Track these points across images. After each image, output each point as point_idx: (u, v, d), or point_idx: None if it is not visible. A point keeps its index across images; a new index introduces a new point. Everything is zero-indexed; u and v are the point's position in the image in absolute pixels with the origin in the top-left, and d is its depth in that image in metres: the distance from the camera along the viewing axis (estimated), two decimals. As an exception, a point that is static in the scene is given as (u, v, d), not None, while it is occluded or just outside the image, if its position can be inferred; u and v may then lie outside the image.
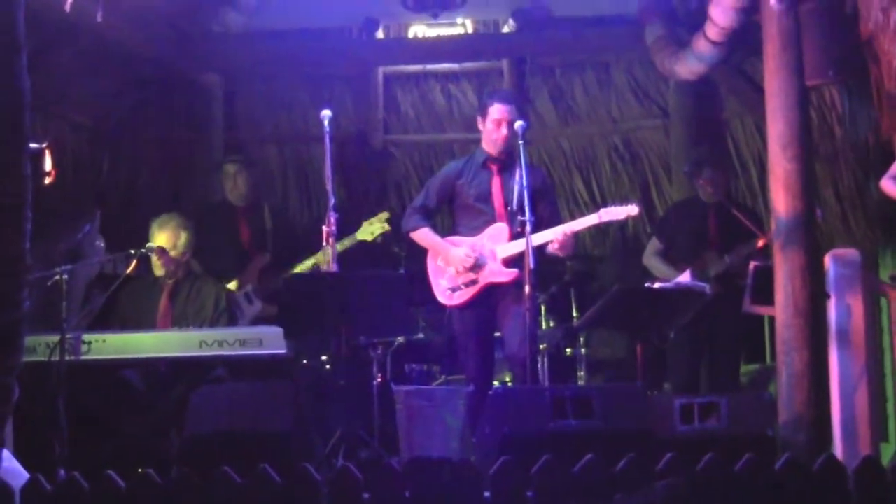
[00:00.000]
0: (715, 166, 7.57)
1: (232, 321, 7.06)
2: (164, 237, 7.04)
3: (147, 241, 6.96)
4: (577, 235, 6.46)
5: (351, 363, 6.70)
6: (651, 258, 7.72)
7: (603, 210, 6.46)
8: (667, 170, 8.97)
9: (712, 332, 7.39)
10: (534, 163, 7.99)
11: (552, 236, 6.27)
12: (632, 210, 6.41)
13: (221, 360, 6.38)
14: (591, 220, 6.45)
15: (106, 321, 6.97)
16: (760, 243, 7.14)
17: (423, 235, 6.61)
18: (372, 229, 7.43)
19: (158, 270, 7.07)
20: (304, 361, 7.28)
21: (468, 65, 9.30)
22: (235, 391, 6.16)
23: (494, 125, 6.50)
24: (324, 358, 7.29)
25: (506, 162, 6.53)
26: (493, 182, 6.54)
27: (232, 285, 7.53)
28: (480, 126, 6.64)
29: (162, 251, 6.98)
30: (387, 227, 7.33)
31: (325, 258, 6.95)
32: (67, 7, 5.89)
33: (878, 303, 7.01)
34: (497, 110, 6.50)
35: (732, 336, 7.52)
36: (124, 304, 7.08)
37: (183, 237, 7.10)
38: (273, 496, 4.14)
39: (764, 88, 6.04)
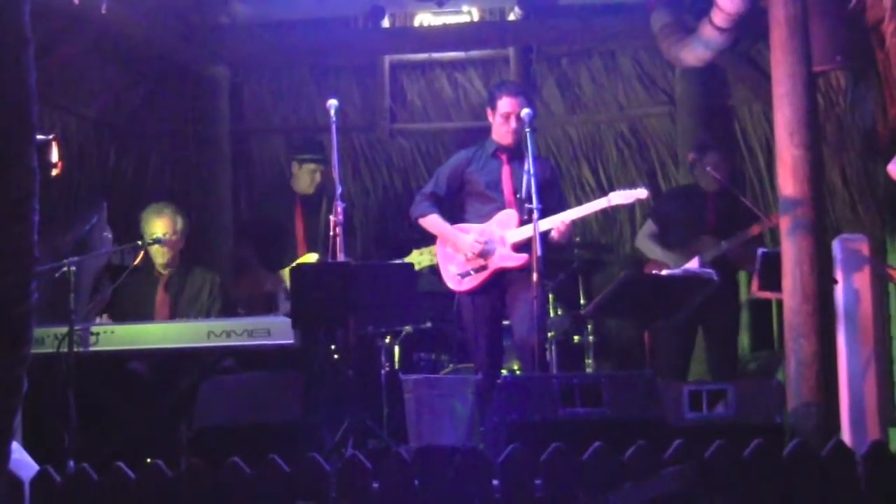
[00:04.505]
0: (720, 151, 7.52)
1: (225, 309, 7.05)
2: (162, 224, 7.02)
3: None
4: (575, 223, 6.55)
5: (359, 352, 6.70)
6: (645, 240, 7.56)
7: (612, 193, 6.53)
8: (673, 157, 8.93)
9: (705, 318, 7.15)
10: (541, 151, 7.98)
11: (550, 225, 6.31)
12: (640, 193, 6.50)
13: (229, 351, 6.39)
14: (600, 203, 6.56)
15: (110, 313, 6.98)
16: (756, 230, 7.11)
17: (432, 222, 6.63)
18: (421, 259, 7.11)
19: (160, 258, 7.06)
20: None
21: (474, 53, 9.26)
22: (244, 382, 6.18)
23: (503, 119, 6.54)
24: (332, 347, 7.29)
25: (515, 151, 6.55)
26: (504, 171, 6.58)
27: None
28: (490, 118, 6.67)
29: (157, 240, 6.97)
30: (435, 260, 7.06)
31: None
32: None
33: (885, 288, 7.01)
34: (506, 104, 6.52)
35: (726, 323, 7.41)
36: (123, 296, 7.08)
37: (180, 223, 7.09)
38: (282, 486, 4.15)
39: (771, 75, 6.02)
